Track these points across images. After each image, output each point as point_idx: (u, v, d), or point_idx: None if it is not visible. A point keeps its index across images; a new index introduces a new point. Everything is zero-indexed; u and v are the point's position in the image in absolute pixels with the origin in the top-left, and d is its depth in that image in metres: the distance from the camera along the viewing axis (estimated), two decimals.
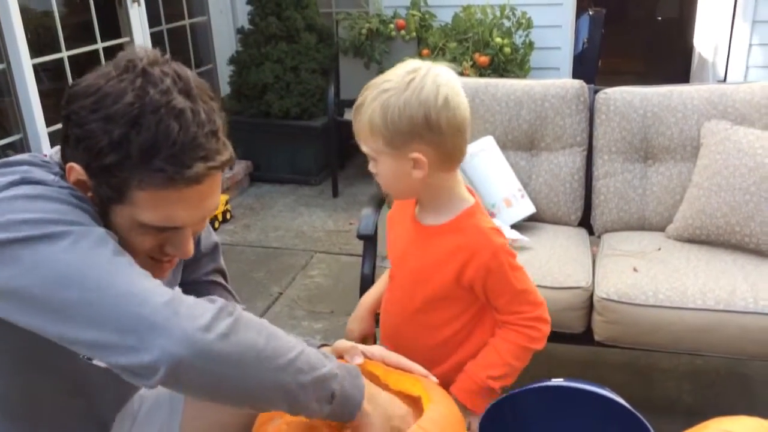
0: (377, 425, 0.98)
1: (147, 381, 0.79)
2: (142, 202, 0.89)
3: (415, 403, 1.10)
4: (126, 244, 0.92)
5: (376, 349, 1.16)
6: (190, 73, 0.93)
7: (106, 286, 0.79)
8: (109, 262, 0.82)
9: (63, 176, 0.94)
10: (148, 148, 0.86)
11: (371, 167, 1.28)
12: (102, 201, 0.92)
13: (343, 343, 1.13)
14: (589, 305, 1.97)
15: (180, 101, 0.87)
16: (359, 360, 1.11)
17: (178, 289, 0.86)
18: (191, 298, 0.83)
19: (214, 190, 0.95)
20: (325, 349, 1.13)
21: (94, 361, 1.04)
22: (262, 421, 1.07)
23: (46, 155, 1.00)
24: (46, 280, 0.80)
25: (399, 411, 1.04)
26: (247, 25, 4.26)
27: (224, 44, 4.46)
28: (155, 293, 0.81)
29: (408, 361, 1.15)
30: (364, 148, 1.26)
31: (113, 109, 0.86)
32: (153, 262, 0.98)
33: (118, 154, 0.86)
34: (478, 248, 1.29)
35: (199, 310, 0.81)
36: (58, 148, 0.99)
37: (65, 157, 0.94)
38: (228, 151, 0.93)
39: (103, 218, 0.93)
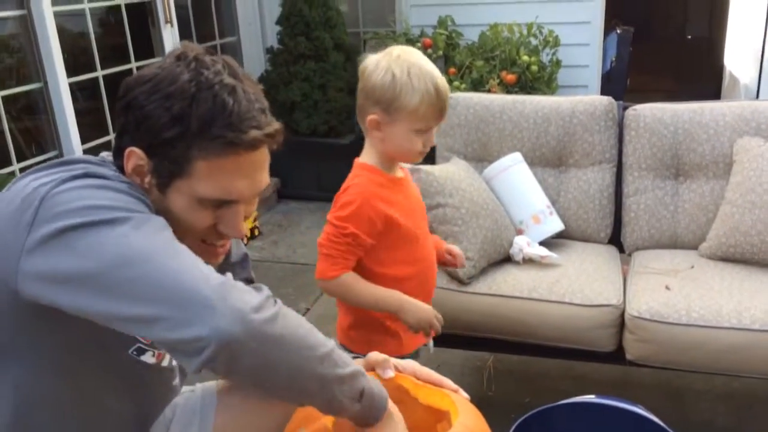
0: (401, 428, 0.99)
1: (195, 358, 0.80)
2: (202, 174, 0.94)
3: (444, 418, 1.09)
4: (182, 226, 0.96)
5: (408, 363, 1.16)
6: (235, 62, 1.01)
7: (165, 265, 0.82)
8: (167, 245, 0.86)
9: (120, 172, 0.99)
10: (207, 119, 0.92)
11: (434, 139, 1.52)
12: (161, 181, 0.96)
13: (375, 356, 1.13)
14: (620, 323, 1.94)
15: (231, 80, 0.95)
16: (391, 373, 1.12)
17: (229, 275, 0.87)
18: (241, 284, 0.85)
19: (265, 164, 1.00)
20: (357, 362, 1.13)
21: (142, 357, 1.06)
22: (289, 429, 1.07)
23: (99, 156, 1.04)
24: (106, 259, 0.82)
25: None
26: (276, 45, 4.33)
27: (254, 63, 4.52)
28: (210, 274, 0.84)
29: (439, 376, 1.15)
30: (440, 124, 1.51)
31: (171, 88, 0.93)
32: (205, 246, 1.01)
33: (178, 127, 0.92)
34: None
35: (250, 294, 0.84)
36: (107, 153, 1.04)
37: (122, 147, 0.98)
38: (278, 124, 1.00)
39: (160, 204, 0.97)
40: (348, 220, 1.49)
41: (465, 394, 1.14)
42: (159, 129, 0.93)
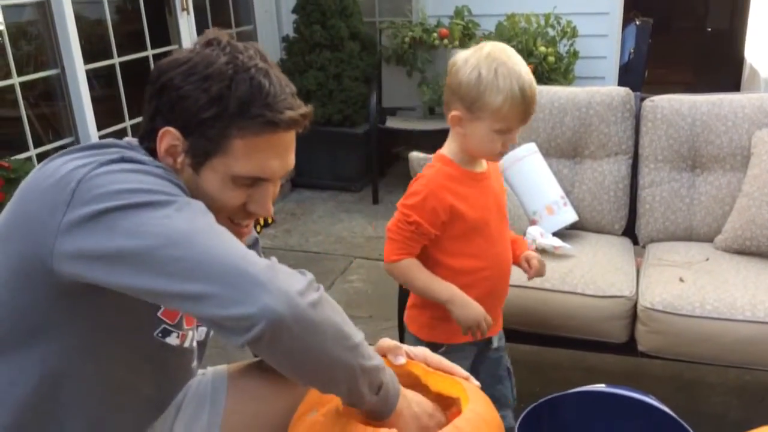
0: (410, 424, 1.00)
1: (241, 336, 0.81)
2: (239, 152, 0.97)
3: (454, 405, 1.09)
4: (214, 205, 0.98)
5: (419, 350, 1.16)
6: (262, 47, 1.04)
7: (211, 244, 0.84)
8: (212, 227, 0.88)
9: (151, 155, 1.00)
10: (245, 100, 0.95)
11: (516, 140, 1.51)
12: (196, 160, 0.99)
13: (386, 342, 1.14)
14: (633, 315, 1.93)
15: (264, 65, 0.99)
16: (402, 360, 1.12)
17: (274, 258, 0.89)
18: (286, 267, 0.87)
19: (293, 145, 1.04)
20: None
21: (167, 339, 1.07)
22: (301, 412, 1.07)
23: (125, 141, 1.05)
24: (154, 239, 0.84)
25: (427, 409, 1.05)
26: (292, 34, 4.33)
27: (270, 52, 4.44)
28: (256, 256, 0.86)
29: (450, 363, 1.15)
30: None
31: (208, 71, 0.95)
32: (231, 226, 1.03)
33: (217, 107, 0.95)
34: (498, 169, 1.69)
35: (295, 277, 0.86)
36: (131, 138, 1.06)
37: (155, 129, 0.99)
38: (309, 107, 1.03)
39: (193, 184, 0.99)
40: (413, 209, 1.52)
41: (476, 382, 1.14)
42: (197, 109, 0.95)
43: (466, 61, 1.45)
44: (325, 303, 0.88)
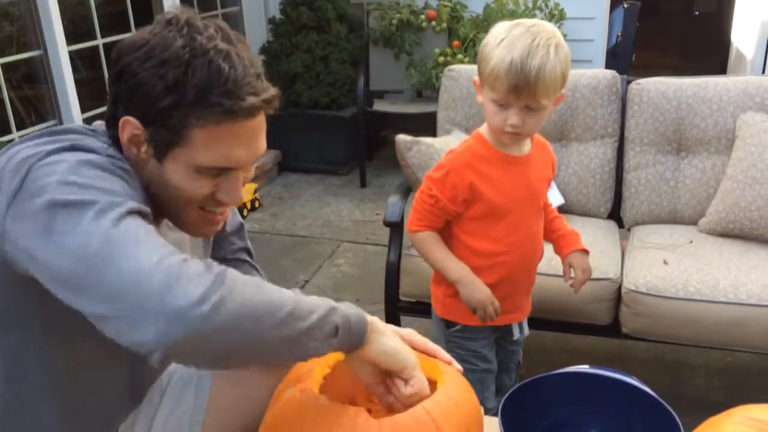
0: (391, 340, 0.99)
1: (151, 356, 0.80)
2: (200, 142, 0.93)
3: (432, 388, 1.09)
4: (181, 195, 0.96)
5: (406, 332, 1.16)
6: (226, 25, 0.99)
7: (120, 260, 0.80)
8: (127, 235, 0.83)
9: (110, 144, 0.97)
10: (203, 87, 0.90)
11: (519, 121, 1.42)
12: (158, 150, 0.96)
13: (377, 322, 1.13)
14: (617, 297, 1.94)
15: (225, 45, 0.93)
16: None
17: (187, 257, 0.84)
18: (193, 268, 0.82)
19: (262, 129, 0.99)
20: None
21: None
22: (280, 389, 1.08)
23: (91, 125, 1.03)
24: (67, 251, 0.82)
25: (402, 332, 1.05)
26: (278, 15, 4.29)
27: (256, 34, 4.48)
28: (157, 270, 0.80)
29: (434, 346, 1.15)
30: (542, 102, 1.40)
31: (164, 55, 0.91)
32: (205, 215, 1.01)
33: (174, 96, 0.91)
34: (552, 157, 1.65)
35: (195, 282, 0.80)
36: (100, 122, 1.03)
37: (116, 116, 0.97)
38: (274, 90, 0.98)
39: (158, 173, 0.97)
40: (435, 183, 1.52)
41: (458, 366, 1.14)
42: (154, 98, 0.91)
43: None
44: (237, 294, 0.81)
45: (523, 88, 1.37)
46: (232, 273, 0.84)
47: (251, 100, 0.93)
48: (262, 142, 1.01)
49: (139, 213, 0.89)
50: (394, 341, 1.00)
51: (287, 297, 0.87)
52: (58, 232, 0.83)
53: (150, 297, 0.78)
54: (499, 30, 1.42)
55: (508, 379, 1.79)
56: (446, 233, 1.58)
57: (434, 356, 1.15)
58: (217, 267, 0.83)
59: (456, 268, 1.55)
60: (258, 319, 0.82)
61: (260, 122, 0.98)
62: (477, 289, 1.53)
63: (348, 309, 0.95)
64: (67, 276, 0.82)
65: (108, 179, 0.89)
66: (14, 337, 0.96)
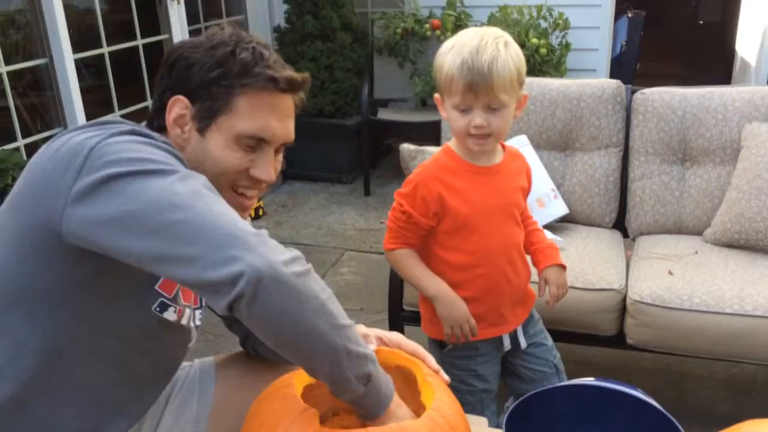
0: (403, 407, 0.99)
1: (223, 297, 0.83)
2: (242, 109, 1.04)
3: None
4: (218, 167, 1.05)
5: (394, 336, 1.15)
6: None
7: (208, 211, 0.87)
8: (210, 196, 0.91)
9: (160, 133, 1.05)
10: (248, 62, 1.04)
11: (483, 121, 1.41)
12: (203, 123, 1.05)
13: (360, 329, 1.13)
14: (622, 308, 1.93)
15: (264, 45, 1.09)
16: (372, 347, 1.10)
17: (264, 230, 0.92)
18: (275, 241, 0.90)
19: (293, 115, 1.12)
20: None
21: (164, 314, 1.07)
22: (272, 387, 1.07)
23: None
24: (153, 203, 0.86)
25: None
26: (283, 24, 4.30)
27: None
28: (248, 225, 0.89)
29: (424, 352, 1.14)
30: (501, 98, 1.40)
31: (213, 42, 1.05)
32: (236, 197, 1.09)
33: (222, 68, 1.03)
34: (526, 167, 1.64)
35: (283, 248, 0.88)
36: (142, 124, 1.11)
37: (164, 104, 1.06)
38: (307, 74, 1.11)
39: (199, 148, 1.05)
40: (405, 198, 1.52)
41: (445, 376, 1.12)
42: (204, 72, 1.03)
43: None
44: (311, 277, 0.89)
45: (478, 83, 1.37)
46: (311, 265, 0.91)
47: (289, 72, 1.06)
48: (292, 127, 1.12)
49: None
50: (402, 415, 0.99)
51: (345, 315, 0.93)
52: (141, 191, 0.87)
53: (247, 240, 0.85)
54: (449, 41, 1.46)
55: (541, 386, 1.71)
56: (423, 250, 1.57)
57: (423, 361, 1.13)
58: (299, 252, 0.90)
59: (433, 283, 1.53)
60: (319, 308, 0.88)
61: (292, 106, 1.10)
62: (454, 306, 1.51)
63: (383, 375, 0.98)
64: (157, 225, 0.86)
65: (173, 160, 0.95)
66: (52, 317, 0.97)
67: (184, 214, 0.86)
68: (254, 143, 1.06)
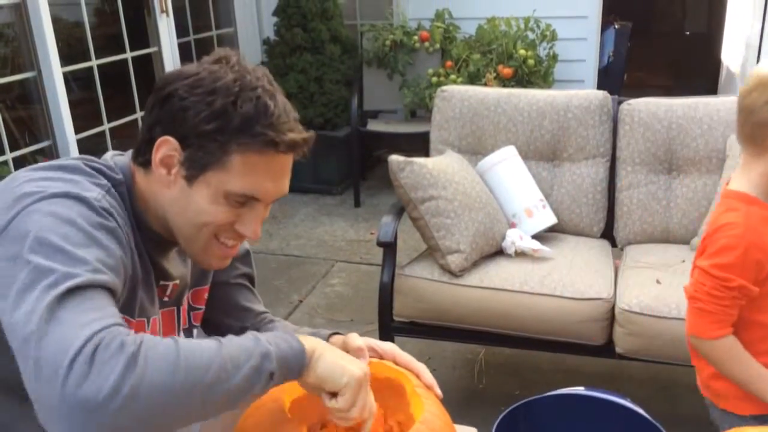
0: (327, 355, 0.94)
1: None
2: (236, 168, 0.97)
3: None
4: (201, 219, 0.99)
5: (388, 347, 1.14)
6: (267, 72, 1.04)
7: (41, 345, 0.78)
8: (75, 308, 0.82)
9: (110, 189, 0.98)
10: (249, 117, 0.95)
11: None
12: (192, 173, 0.98)
13: (353, 341, 1.11)
14: (611, 317, 1.94)
15: (270, 87, 1.00)
16: (364, 362, 1.09)
17: (104, 334, 0.80)
18: (108, 348, 0.78)
19: (290, 171, 1.04)
20: (335, 339, 1.13)
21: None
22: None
23: (102, 158, 1.04)
24: (15, 317, 0.81)
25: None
26: (272, 36, 4.32)
27: (250, 55, 4.51)
28: (78, 356, 0.77)
29: (419, 364, 1.13)
30: None
31: (214, 85, 0.96)
32: (218, 245, 1.04)
33: (220, 121, 0.95)
34: None
35: (106, 371, 0.77)
36: (113, 153, 1.06)
37: (153, 139, 0.99)
38: (312, 133, 1.03)
39: (183, 196, 0.99)
40: (731, 270, 1.27)
41: (438, 392, 1.11)
42: (199, 122, 0.95)
43: None
44: (148, 379, 0.78)
45: None
46: (146, 347, 0.80)
47: (291, 135, 0.98)
48: (287, 183, 1.04)
49: (91, 286, 0.86)
50: (330, 362, 0.94)
51: (209, 356, 0.83)
52: (16, 292, 0.82)
53: (64, 390, 0.75)
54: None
55: None
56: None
57: (416, 376, 1.12)
58: (131, 343, 0.79)
59: None
60: (180, 397, 0.79)
61: (290, 162, 1.03)
62: None
63: (284, 343, 0.91)
64: (17, 344, 0.81)
65: (83, 242, 0.88)
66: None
67: (24, 342, 0.79)
68: (244, 200, 1.00)
